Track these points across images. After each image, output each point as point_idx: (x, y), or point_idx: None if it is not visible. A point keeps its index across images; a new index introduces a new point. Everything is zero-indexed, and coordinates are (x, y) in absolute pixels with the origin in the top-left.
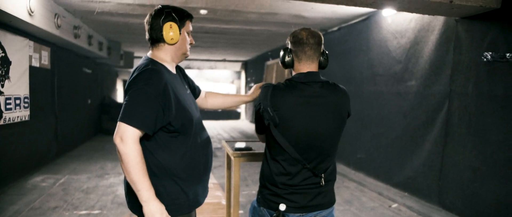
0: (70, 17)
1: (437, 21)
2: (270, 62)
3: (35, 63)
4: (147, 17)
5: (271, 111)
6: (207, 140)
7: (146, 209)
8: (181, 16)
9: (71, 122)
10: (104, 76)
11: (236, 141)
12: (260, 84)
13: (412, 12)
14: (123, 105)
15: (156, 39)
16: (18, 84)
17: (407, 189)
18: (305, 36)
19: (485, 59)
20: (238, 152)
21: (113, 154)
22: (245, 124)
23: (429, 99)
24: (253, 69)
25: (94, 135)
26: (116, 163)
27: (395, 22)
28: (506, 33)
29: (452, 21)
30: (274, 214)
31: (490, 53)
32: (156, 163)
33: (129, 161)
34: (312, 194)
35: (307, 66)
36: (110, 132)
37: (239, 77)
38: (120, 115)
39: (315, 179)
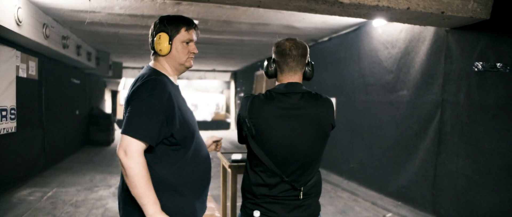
0: (58, 27)
1: (428, 32)
2: (260, 72)
3: (22, 74)
4: (151, 27)
5: (248, 122)
6: (206, 156)
7: None
8: (174, 24)
9: (59, 133)
10: (92, 86)
11: (232, 153)
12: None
13: (403, 22)
14: (126, 117)
15: (153, 50)
16: (5, 95)
17: (401, 198)
18: (289, 47)
19: (476, 69)
20: (235, 163)
21: (102, 166)
22: (235, 134)
23: (421, 109)
24: (242, 79)
25: (82, 146)
26: (105, 175)
27: (386, 32)
28: (496, 43)
29: (443, 32)
30: None
31: (481, 63)
32: (154, 176)
33: (135, 175)
34: (291, 206)
35: (289, 77)
36: (98, 143)
37: (228, 87)
38: (123, 127)
39: (294, 192)
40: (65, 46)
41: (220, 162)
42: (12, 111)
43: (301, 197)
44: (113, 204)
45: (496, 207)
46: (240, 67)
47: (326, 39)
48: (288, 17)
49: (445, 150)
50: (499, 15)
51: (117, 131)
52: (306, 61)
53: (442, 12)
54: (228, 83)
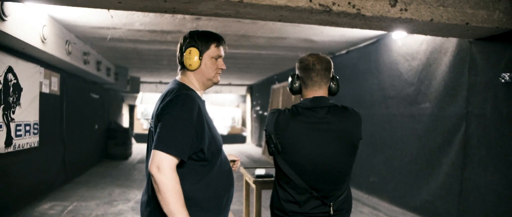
0: (80, 44)
1: (450, 43)
2: (276, 85)
3: (45, 89)
4: (180, 41)
5: (274, 138)
6: (230, 171)
7: None
8: (205, 40)
9: (79, 148)
10: (110, 101)
11: (255, 168)
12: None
13: (426, 34)
14: (157, 132)
15: (181, 64)
16: (28, 110)
17: (424, 214)
18: (312, 62)
19: (503, 80)
20: (259, 179)
21: (120, 180)
22: (251, 147)
23: (445, 121)
24: (258, 93)
25: (100, 160)
26: (123, 189)
27: (406, 44)
28: None
29: (466, 43)
30: None
31: (508, 74)
32: (183, 193)
33: (168, 191)
34: None
35: (313, 92)
36: (116, 157)
37: (244, 101)
38: (155, 142)
39: (324, 208)
40: (86, 62)
41: (242, 177)
42: (35, 126)
43: (332, 213)
44: None
45: None
46: (256, 81)
47: (344, 52)
48: (306, 31)
49: (471, 164)
50: None
51: (135, 145)
52: (331, 76)
53: (467, 23)
54: (244, 97)
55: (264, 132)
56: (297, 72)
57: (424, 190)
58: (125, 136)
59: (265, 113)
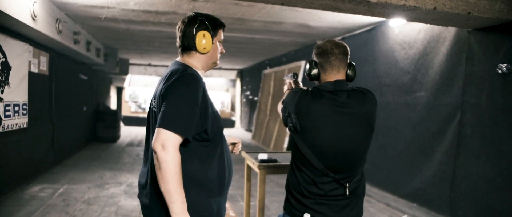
0: (70, 23)
1: (448, 33)
2: (268, 71)
3: (34, 69)
4: (179, 24)
5: (294, 117)
6: (230, 153)
7: None
8: (214, 25)
9: (67, 130)
10: (99, 82)
11: (257, 152)
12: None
13: (427, 22)
14: (162, 111)
15: (188, 47)
16: (17, 90)
17: (416, 200)
18: (330, 47)
19: (500, 71)
20: (264, 164)
21: (110, 163)
22: (240, 132)
23: (440, 110)
24: (249, 78)
25: (89, 143)
26: (114, 172)
27: (403, 32)
28: None
29: (464, 33)
30: None
31: (506, 64)
32: (185, 172)
33: (169, 169)
34: (339, 206)
35: (333, 76)
36: (105, 140)
37: (234, 85)
38: (159, 121)
39: (341, 189)
40: (76, 42)
41: (243, 161)
42: (24, 107)
43: (348, 193)
44: (126, 202)
45: None
46: (247, 65)
47: (339, 38)
48: (303, 16)
49: (464, 152)
50: None
51: (122, 128)
52: (348, 61)
53: (469, 13)
54: (233, 81)
55: (281, 105)
56: (314, 58)
57: (416, 178)
58: (114, 118)
59: (255, 98)
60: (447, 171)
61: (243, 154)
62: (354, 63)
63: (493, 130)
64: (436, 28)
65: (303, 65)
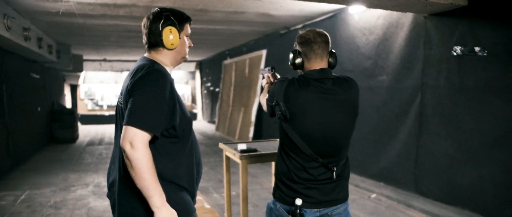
0: (19, 18)
1: (406, 18)
2: (228, 61)
3: None
4: (144, 20)
5: (283, 105)
6: (198, 147)
7: (159, 215)
8: (180, 19)
9: (22, 133)
10: (51, 81)
11: (236, 143)
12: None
13: (387, 9)
14: (129, 108)
15: (155, 43)
16: None
17: (383, 180)
18: (313, 36)
19: (455, 53)
20: (245, 154)
21: (72, 164)
22: (203, 124)
23: (402, 93)
24: (209, 69)
25: (46, 145)
26: (79, 174)
27: (363, 19)
28: (473, 28)
29: (421, 18)
30: (291, 210)
31: (460, 47)
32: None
33: (142, 166)
34: (327, 189)
35: (316, 64)
36: (63, 141)
37: (193, 77)
38: (126, 118)
39: (328, 173)
40: (26, 38)
41: (209, 154)
42: None
43: (335, 177)
44: (96, 203)
45: (476, 182)
46: (206, 56)
47: (299, 26)
48: (265, 5)
49: (426, 131)
50: (476, 1)
51: (80, 127)
52: (329, 49)
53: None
54: (193, 73)
55: (264, 96)
56: (297, 47)
57: (382, 158)
58: (71, 118)
59: (217, 89)
60: (411, 150)
61: (221, 145)
62: (334, 51)
63: (451, 109)
64: (394, 14)
65: (264, 54)
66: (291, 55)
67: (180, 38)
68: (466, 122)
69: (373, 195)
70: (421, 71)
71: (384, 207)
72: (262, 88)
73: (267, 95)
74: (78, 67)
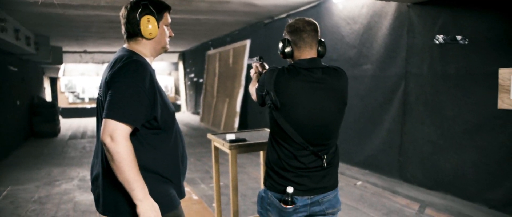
0: None
1: (390, 7)
2: (212, 51)
3: None
4: (122, 10)
5: (273, 95)
6: (183, 137)
7: (141, 208)
8: (159, 8)
9: (1, 127)
10: (30, 74)
11: (224, 133)
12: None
13: None
14: (108, 100)
15: (133, 33)
16: None
17: (368, 167)
18: (302, 24)
19: (437, 42)
20: (234, 144)
21: (55, 158)
22: (187, 116)
23: (386, 81)
24: (192, 60)
25: (27, 139)
26: (63, 168)
27: (347, 8)
28: (455, 17)
29: (404, 7)
30: (283, 197)
31: (442, 36)
32: (137, 162)
33: (122, 160)
34: (318, 176)
35: (306, 52)
36: (44, 135)
37: (176, 69)
38: (106, 111)
39: (319, 161)
40: (3, 30)
41: (195, 145)
42: None
43: (325, 165)
44: (82, 197)
45: (459, 167)
46: (189, 47)
47: (283, 15)
48: None
49: (410, 119)
50: None
51: (62, 121)
52: (318, 38)
53: None
54: (176, 64)
55: (253, 85)
56: (287, 36)
57: (367, 146)
58: (52, 111)
59: (201, 80)
60: (395, 137)
61: (210, 136)
62: (323, 40)
63: (434, 97)
64: (378, 3)
65: (248, 44)
66: (280, 44)
67: (159, 27)
68: (448, 109)
69: (359, 183)
70: (405, 60)
71: (370, 194)
72: (247, 78)
73: (257, 85)
74: (58, 59)
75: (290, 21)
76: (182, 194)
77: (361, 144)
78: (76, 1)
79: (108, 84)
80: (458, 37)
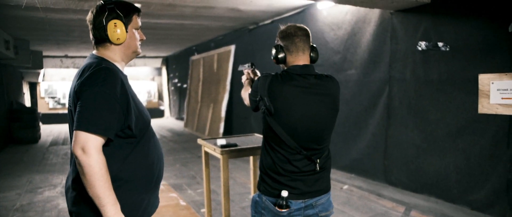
0: None
1: (373, 14)
2: (196, 57)
3: None
4: (89, 15)
5: (267, 101)
6: (160, 147)
7: None
8: (126, 11)
9: None
10: (9, 79)
11: (214, 138)
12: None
13: (355, 5)
14: (78, 111)
15: (101, 39)
16: None
17: (353, 171)
18: (294, 30)
19: (420, 48)
20: (226, 149)
21: (36, 165)
22: (171, 121)
23: (370, 86)
24: (175, 65)
25: (5, 146)
26: (44, 175)
27: (331, 14)
28: (437, 24)
29: (387, 14)
30: (278, 201)
31: (424, 42)
32: (110, 171)
33: (94, 173)
34: (311, 180)
35: (299, 58)
36: (24, 141)
37: (159, 74)
38: (76, 122)
39: (312, 165)
40: None
41: (179, 151)
42: None
43: (318, 169)
44: (66, 205)
45: (442, 170)
46: (173, 52)
47: (268, 21)
48: (234, 0)
49: (394, 123)
50: None
51: (42, 127)
52: (310, 44)
53: None
54: (159, 69)
55: (246, 91)
56: (279, 42)
57: (352, 150)
58: (32, 117)
59: (184, 85)
60: (380, 141)
61: (200, 141)
62: (315, 46)
63: (417, 101)
64: (361, 10)
65: (233, 50)
66: (273, 50)
67: (127, 31)
68: (431, 113)
69: (345, 187)
70: (388, 65)
71: (356, 198)
72: (232, 83)
73: (250, 90)
74: (38, 64)
75: (281, 27)
76: (156, 202)
77: (346, 148)
78: (58, 4)
79: (77, 94)
80: (440, 44)
